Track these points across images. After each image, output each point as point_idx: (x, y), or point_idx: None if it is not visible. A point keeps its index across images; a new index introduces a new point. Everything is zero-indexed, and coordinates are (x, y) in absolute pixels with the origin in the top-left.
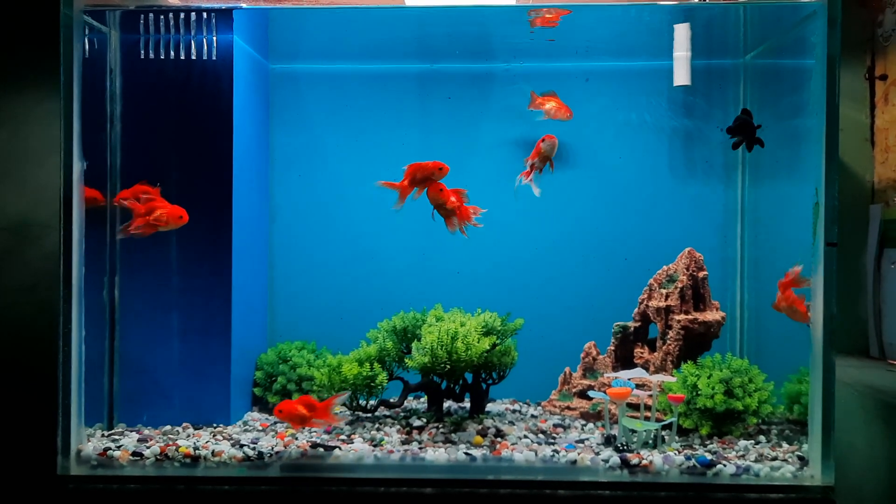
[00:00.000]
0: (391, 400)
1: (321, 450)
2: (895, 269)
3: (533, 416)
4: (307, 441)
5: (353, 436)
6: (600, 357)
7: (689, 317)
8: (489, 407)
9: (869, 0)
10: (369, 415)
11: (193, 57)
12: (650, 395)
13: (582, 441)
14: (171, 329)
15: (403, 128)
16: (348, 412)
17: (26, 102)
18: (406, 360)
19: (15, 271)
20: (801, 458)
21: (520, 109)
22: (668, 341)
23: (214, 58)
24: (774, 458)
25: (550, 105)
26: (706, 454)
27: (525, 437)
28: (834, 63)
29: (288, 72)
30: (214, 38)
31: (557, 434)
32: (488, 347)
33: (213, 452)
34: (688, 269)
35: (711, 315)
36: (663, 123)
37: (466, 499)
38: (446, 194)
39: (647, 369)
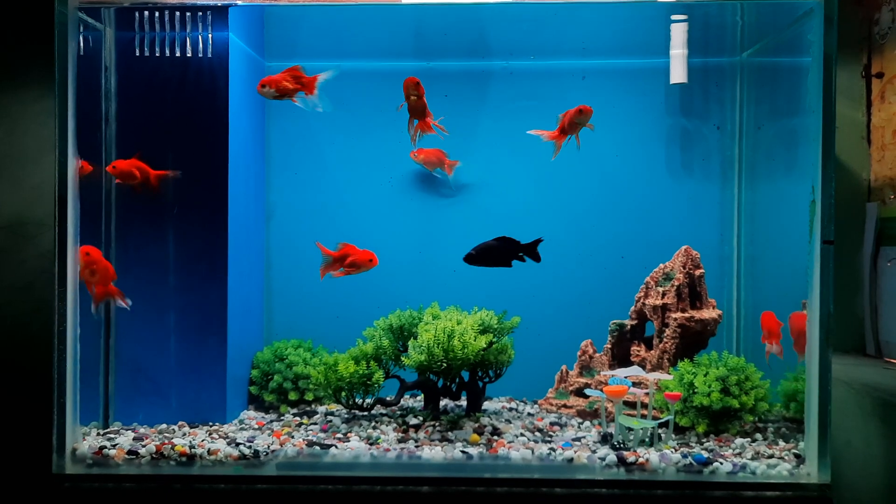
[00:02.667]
0: (388, 398)
1: (317, 448)
2: (892, 266)
3: (529, 414)
4: (303, 439)
5: (349, 434)
6: (597, 355)
7: (686, 315)
8: (486, 405)
9: None
10: (366, 413)
11: (189, 54)
12: (647, 393)
13: (578, 439)
14: (166, 327)
15: (399, 125)
16: (345, 411)
17: (22, 100)
18: (402, 359)
19: (11, 270)
20: (797, 456)
21: (517, 109)
22: (665, 339)
23: (210, 55)
24: (771, 456)
25: (430, 158)
26: (703, 452)
27: (522, 435)
28: (830, 61)
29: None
30: (210, 36)
31: (554, 432)
32: (485, 345)
33: (209, 451)
34: (684, 267)
35: (708, 313)
36: (660, 121)
37: (463, 497)
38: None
39: (643, 367)
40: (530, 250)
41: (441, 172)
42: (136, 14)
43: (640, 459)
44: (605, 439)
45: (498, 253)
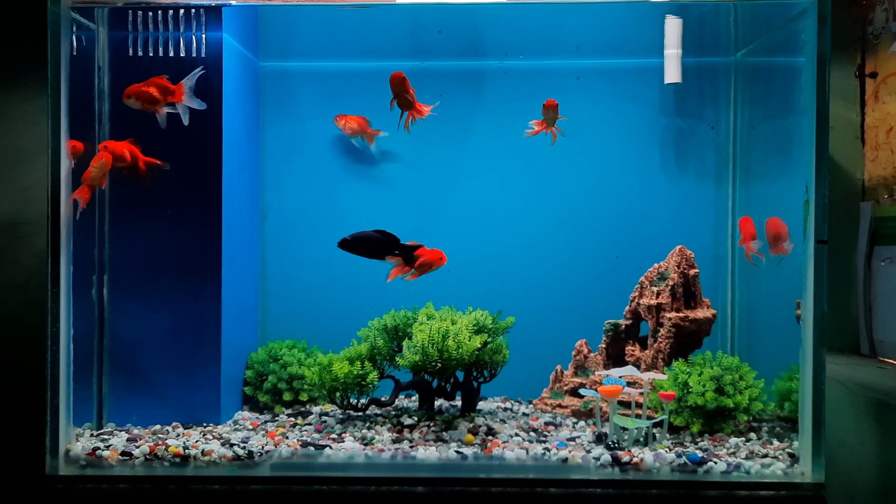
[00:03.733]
0: (382, 399)
1: (312, 449)
2: (885, 266)
3: (524, 414)
4: (297, 440)
5: (343, 434)
6: (592, 355)
7: (681, 314)
8: (480, 405)
9: None
10: (360, 413)
11: (182, 54)
12: (641, 393)
13: (573, 439)
14: (160, 328)
15: (394, 125)
16: (339, 411)
17: (15, 100)
18: (397, 359)
19: (4, 270)
20: (791, 456)
21: (511, 108)
22: (660, 339)
23: (204, 55)
24: (765, 456)
25: (351, 124)
26: (697, 452)
27: (516, 435)
28: (824, 61)
29: (278, 69)
30: (204, 36)
31: (549, 432)
32: (479, 346)
33: (202, 452)
34: (679, 267)
35: (702, 313)
36: (654, 121)
37: (458, 497)
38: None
39: (638, 367)
40: (406, 253)
41: (361, 141)
42: (130, 14)
43: (635, 459)
44: (599, 439)
45: (373, 245)
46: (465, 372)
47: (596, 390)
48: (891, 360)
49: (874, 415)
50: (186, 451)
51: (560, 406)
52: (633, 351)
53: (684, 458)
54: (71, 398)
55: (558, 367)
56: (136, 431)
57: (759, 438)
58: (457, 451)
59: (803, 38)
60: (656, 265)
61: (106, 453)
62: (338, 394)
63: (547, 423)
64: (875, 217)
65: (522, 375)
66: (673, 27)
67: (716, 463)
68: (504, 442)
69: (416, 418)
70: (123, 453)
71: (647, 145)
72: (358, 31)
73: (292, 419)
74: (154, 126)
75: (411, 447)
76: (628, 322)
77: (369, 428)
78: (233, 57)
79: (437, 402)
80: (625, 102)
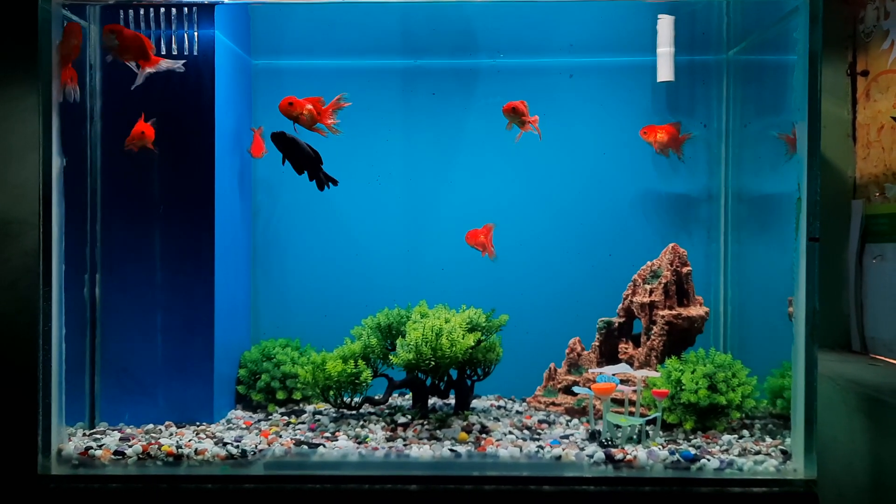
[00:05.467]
0: (376, 397)
1: (305, 447)
2: (876, 263)
3: (518, 412)
4: (291, 439)
5: (337, 433)
6: (585, 353)
7: (673, 312)
8: (474, 403)
9: None
10: (354, 412)
11: (175, 52)
12: (634, 391)
13: (567, 437)
14: (153, 327)
15: (387, 124)
16: (333, 410)
17: (5, 98)
18: (391, 357)
19: None
20: (783, 452)
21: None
22: (653, 337)
23: (196, 53)
24: (758, 452)
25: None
26: (690, 449)
27: (510, 433)
28: (816, 59)
29: (271, 67)
30: (196, 34)
31: (542, 430)
32: (473, 344)
33: (196, 451)
34: (672, 265)
35: (695, 310)
36: (647, 119)
37: (451, 495)
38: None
39: (631, 365)
40: (323, 179)
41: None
42: (121, 11)
43: (628, 456)
44: (593, 437)
45: (302, 156)
46: (459, 370)
47: (589, 388)
48: (882, 357)
49: (865, 411)
50: (179, 450)
51: (553, 404)
52: (626, 349)
53: (677, 455)
54: (63, 397)
55: (552, 365)
56: (128, 431)
57: (751, 435)
58: (450, 450)
59: (795, 36)
60: (649, 263)
61: (98, 453)
62: (331, 392)
63: (540, 421)
64: (866, 214)
65: (516, 373)
66: (665, 25)
67: (709, 460)
68: (498, 440)
69: (409, 416)
70: (116, 453)
71: (640, 143)
72: (350, 28)
73: (286, 418)
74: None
75: (405, 445)
76: (621, 320)
77: (363, 426)
78: (225, 55)
79: (431, 401)
80: (618, 100)
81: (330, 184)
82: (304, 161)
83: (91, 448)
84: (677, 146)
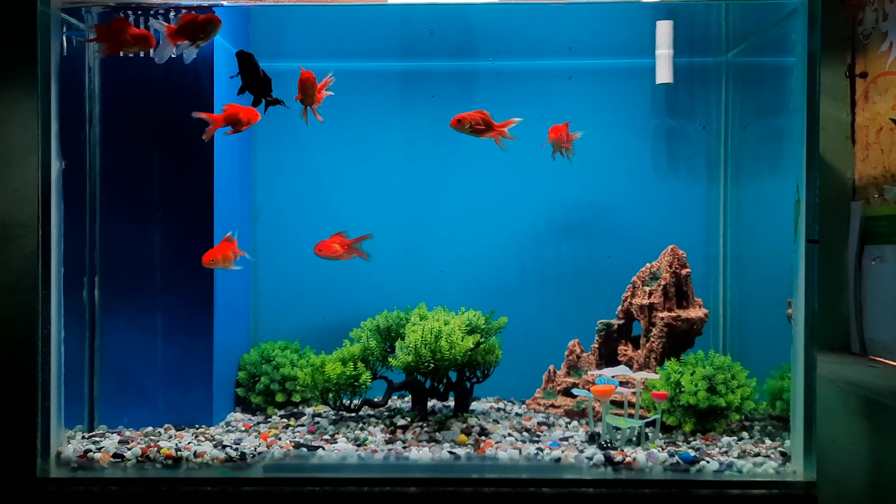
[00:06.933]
0: (375, 399)
1: (304, 450)
2: (876, 265)
3: (517, 414)
4: (290, 441)
5: (336, 435)
6: (584, 355)
7: (673, 314)
8: (473, 405)
9: None
10: (353, 414)
11: (174, 55)
12: (634, 393)
13: (566, 439)
14: (152, 329)
15: (386, 126)
16: (332, 412)
17: (4, 101)
18: (390, 360)
19: None
20: (783, 454)
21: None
22: (652, 339)
23: (195, 56)
24: (757, 455)
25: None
26: (689, 451)
27: (509, 435)
28: (814, 61)
29: (270, 70)
30: None
31: (542, 432)
32: (472, 346)
33: (195, 453)
34: (671, 267)
35: (694, 312)
36: (646, 121)
37: (451, 498)
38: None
39: (630, 367)
40: (270, 101)
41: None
42: (121, 15)
43: (628, 458)
44: (592, 439)
45: (258, 79)
46: (458, 372)
47: (588, 390)
48: (881, 359)
49: (865, 413)
50: (178, 452)
51: (553, 406)
52: (625, 350)
53: (677, 457)
54: (62, 400)
55: (551, 367)
56: (127, 433)
57: (751, 437)
58: (450, 452)
59: (793, 38)
60: (648, 265)
61: (97, 455)
62: (330, 395)
63: (540, 423)
64: (865, 216)
65: (515, 375)
66: (664, 28)
67: (708, 462)
68: (497, 442)
69: (408, 419)
70: (115, 455)
71: (639, 145)
72: (349, 31)
73: (285, 420)
74: (145, 126)
75: (404, 448)
76: (621, 322)
77: (362, 429)
78: (224, 58)
79: (430, 403)
80: (616, 103)
81: (274, 105)
82: (257, 82)
83: (90, 451)
84: (566, 145)
